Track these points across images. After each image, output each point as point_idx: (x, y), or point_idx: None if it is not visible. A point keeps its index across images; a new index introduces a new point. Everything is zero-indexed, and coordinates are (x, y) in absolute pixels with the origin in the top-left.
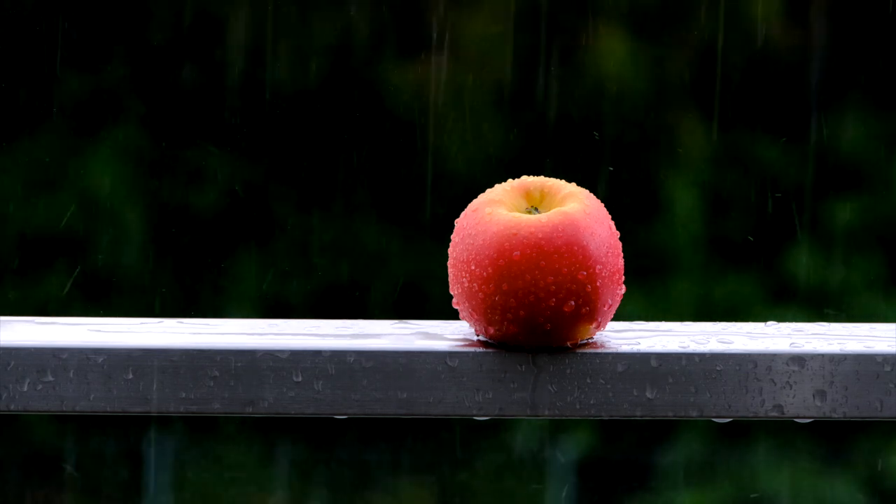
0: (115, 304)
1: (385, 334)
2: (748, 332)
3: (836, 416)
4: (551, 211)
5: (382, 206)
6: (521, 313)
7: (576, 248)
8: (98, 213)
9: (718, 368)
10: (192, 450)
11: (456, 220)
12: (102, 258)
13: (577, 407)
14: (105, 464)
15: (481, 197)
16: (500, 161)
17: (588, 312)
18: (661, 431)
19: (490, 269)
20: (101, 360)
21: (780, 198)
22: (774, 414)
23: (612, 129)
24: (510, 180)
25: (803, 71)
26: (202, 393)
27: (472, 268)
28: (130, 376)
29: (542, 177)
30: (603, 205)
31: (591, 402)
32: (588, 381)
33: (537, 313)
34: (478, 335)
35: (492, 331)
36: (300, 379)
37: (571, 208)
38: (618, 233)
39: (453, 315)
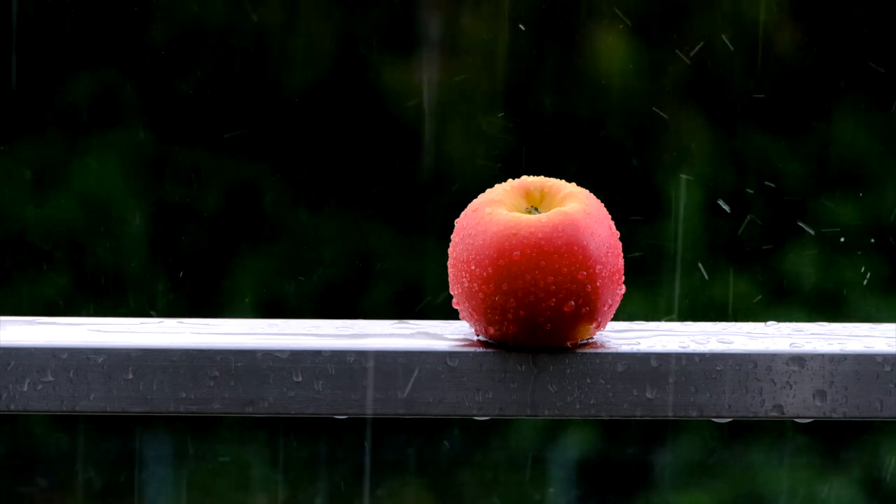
0: (115, 304)
1: (385, 334)
2: (748, 332)
3: (836, 416)
4: (551, 211)
5: (382, 205)
6: (521, 313)
7: (576, 248)
8: (98, 213)
9: (718, 368)
10: (192, 450)
11: (456, 220)
12: (102, 258)
13: (577, 407)
14: (105, 464)
15: (481, 197)
16: (500, 161)
17: (588, 312)
18: (661, 431)
19: (490, 269)
20: (101, 360)
21: (781, 197)
22: (774, 414)
23: (612, 128)
24: (510, 180)
25: (804, 70)
26: (202, 393)
27: (473, 268)
28: (130, 376)
29: (542, 177)
30: (603, 205)
31: (591, 402)
32: (588, 381)
33: (537, 313)
34: (478, 335)
35: (492, 331)
36: (300, 379)
37: (571, 208)
38: (618, 233)
39: (453, 315)
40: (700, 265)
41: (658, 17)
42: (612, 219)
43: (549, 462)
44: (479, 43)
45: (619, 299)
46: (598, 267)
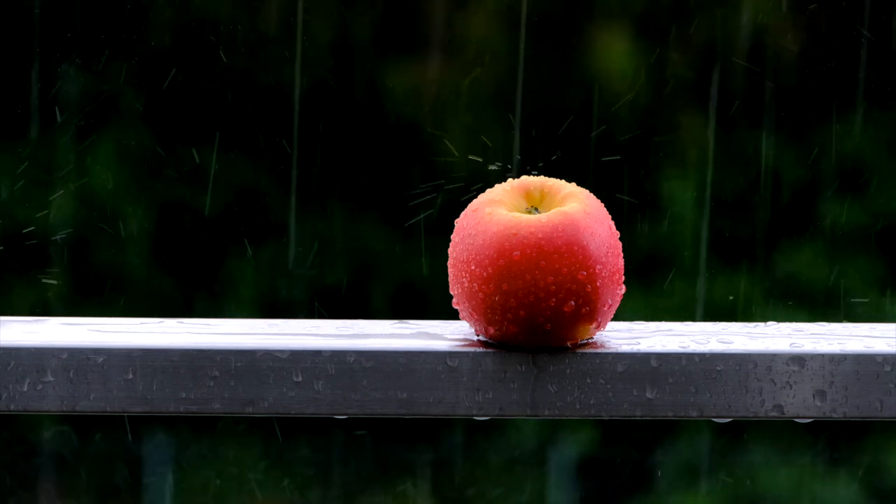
0: (115, 304)
1: (385, 334)
2: (748, 332)
3: (836, 416)
4: (551, 211)
5: (382, 205)
6: (521, 313)
7: (576, 248)
8: (98, 213)
9: (718, 368)
10: (192, 449)
11: (456, 220)
12: (103, 258)
13: (577, 407)
14: (105, 464)
15: (481, 197)
16: (501, 161)
17: (588, 312)
18: (661, 431)
19: (490, 269)
20: (101, 360)
21: (781, 197)
22: (774, 414)
23: (612, 128)
24: (510, 180)
25: (804, 70)
26: (202, 393)
27: (472, 268)
28: (130, 376)
29: (542, 177)
30: (603, 205)
31: (591, 402)
32: (588, 381)
33: (537, 313)
34: (478, 335)
35: (492, 331)
36: (300, 379)
37: (571, 208)
38: (618, 233)
39: (453, 315)
40: (700, 265)
41: (659, 16)
42: (612, 219)
43: (549, 462)
44: (480, 43)
45: (619, 299)
46: (598, 267)
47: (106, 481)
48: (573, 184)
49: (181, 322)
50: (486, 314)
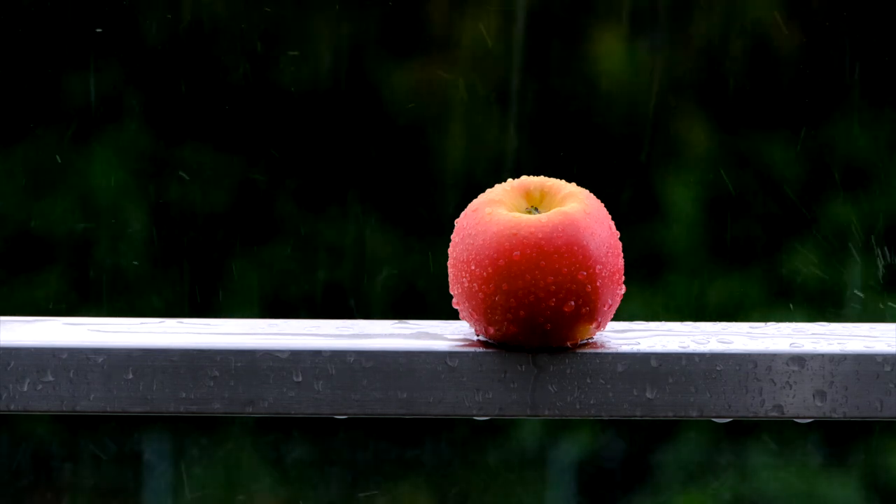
0: (115, 304)
1: (385, 334)
2: (748, 332)
3: (836, 416)
4: (551, 211)
5: (382, 205)
6: (521, 313)
7: (576, 248)
8: (99, 213)
9: (718, 368)
10: (192, 449)
11: (456, 220)
12: (102, 258)
13: (577, 407)
14: (105, 464)
15: (481, 197)
16: (500, 161)
17: (588, 312)
18: (661, 431)
19: (490, 269)
20: (101, 360)
21: (781, 197)
22: (774, 414)
23: (611, 128)
24: (510, 180)
25: (804, 69)
26: (202, 393)
27: (472, 268)
28: (130, 376)
29: (542, 177)
30: (603, 205)
31: (591, 402)
32: (588, 381)
33: (537, 313)
34: (478, 335)
35: (492, 331)
36: (300, 379)
37: (571, 208)
38: (618, 233)
39: (453, 315)
40: (700, 265)
41: (658, 16)
42: (612, 219)
43: (549, 462)
44: (479, 43)
45: (619, 299)
46: (598, 267)
47: (106, 481)
48: (573, 184)
49: (181, 322)
50: (486, 314)
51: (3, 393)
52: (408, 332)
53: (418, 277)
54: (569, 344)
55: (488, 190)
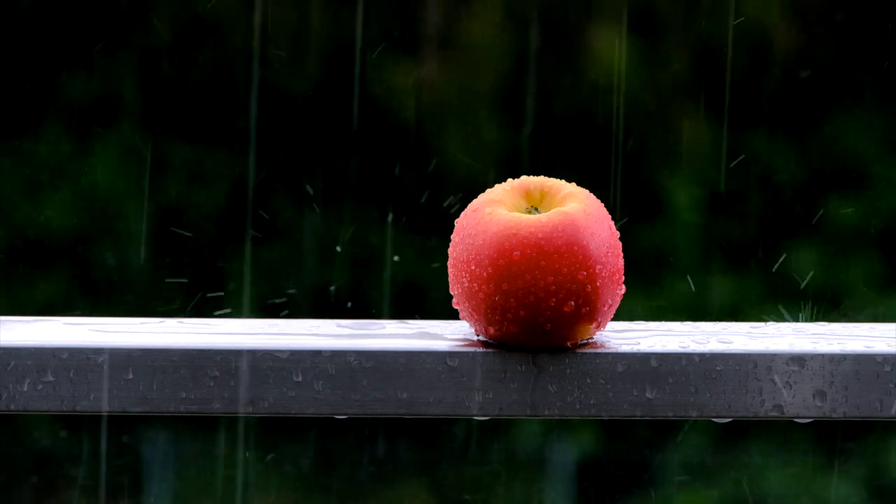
0: (115, 304)
1: (385, 334)
2: (748, 332)
3: (836, 416)
4: (551, 211)
5: (382, 205)
6: (521, 313)
7: (576, 248)
8: (98, 213)
9: (718, 368)
10: (192, 449)
11: (456, 220)
12: (103, 258)
13: (577, 407)
14: (105, 464)
15: (481, 197)
16: (500, 161)
17: (588, 312)
18: (661, 431)
19: (490, 269)
20: (101, 360)
21: (781, 197)
22: (774, 414)
23: (611, 128)
24: (510, 180)
25: (804, 69)
26: (202, 393)
27: (473, 268)
28: (130, 376)
29: (542, 177)
30: (603, 205)
31: (591, 402)
32: (588, 381)
33: (537, 313)
34: (478, 335)
35: (492, 331)
36: (300, 379)
37: (571, 208)
38: (618, 233)
39: (453, 315)
40: (700, 265)
41: (658, 16)
42: (612, 219)
43: (549, 462)
44: (479, 42)
45: (619, 299)
46: (598, 267)
47: (106, 481)
48: (573, 184)
49: (181, 322)
50: (486, 314)
51: (3, 393)
52: (408, 332)
53: (418, 277)
54: (569, 344)
55: (488, 190)
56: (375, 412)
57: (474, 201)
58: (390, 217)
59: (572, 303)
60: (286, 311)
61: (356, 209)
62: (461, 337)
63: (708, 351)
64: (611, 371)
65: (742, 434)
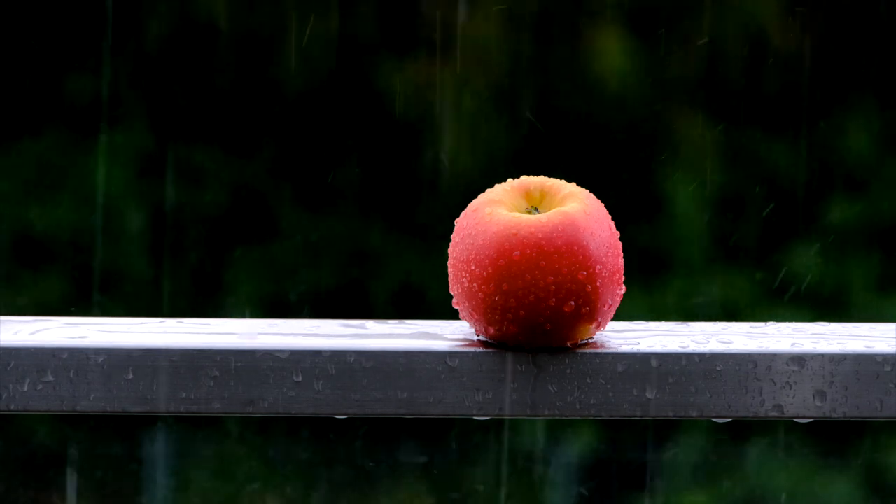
0: (115, 304)
1: (385, 334)
2: (748, 332)
3: (836, 416)
4: (551, 211)
5: (383, 205)
6: (521, 313)
7: (576, 248)
8: (99, 213)
9: (718, 368)
10: (192, 449)
11: (456, 220)
12: (103, 258)
13: (577, 407)
14: (105, 464)
15: (481, 197)
16: (500, 161)
17: (588, 312)
18: (661, 431)
19: (490, 269)
20: (101, 360)
21: (781, 197)
22: (774, 414)
23: (611, 128)
24: (510, 180)
25: (804, 69)
26: (202, 393)
27: (472, 268)
28: (130, 376)
29: (542, 177)
30: (603, 205)
31: (591, 402)
32: (588, 381)
33: (537, 313)
34: (478, 335)
35: (492, 331)
36: (300, 379)
37: (571, 208)
38: (618, 233)
39: (453, 315)
40: (700, 265)
41: (658, 16)
42: (612, 219)
43: (549, 462)
44: (479, 42)
45: (619, 299)
46: (598, 267)
47: (106, 481)
48: (573, 184)
49: (181, 322)
50: (486, 314)
51: (3, 393)
52: (408, 332)
53: (418, 277)
54: (569, 344)
55: (488, 190)
56: (375, 412)
57: (474, 201)
58: (390, 217)
59: (572, 303)
60: (287, 312)
61: (356, 209)
62: (461, 337)
63: (708, 351)
64: (611, 371)
65: (742, 434)
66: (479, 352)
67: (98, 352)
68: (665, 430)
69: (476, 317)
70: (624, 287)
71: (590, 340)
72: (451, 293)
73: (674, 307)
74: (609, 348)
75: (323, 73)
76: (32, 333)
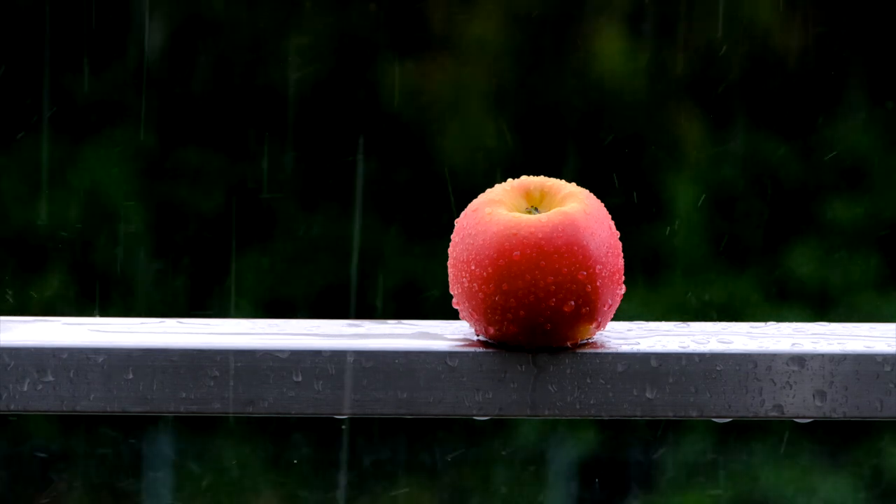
0: (115, 304)
1: (385, 334)
2: (748, 332)
3: (836, 416)
4: (551, 211)
5: (383, 205)
6: (521, 313)
7: (576, 248)
8: (99, 213)
9: (718, 368)
10: (192, 449)
11: (456, 220)
12: (103, 258)
13: (577, 407)
14: (105, 464)
15: (481, 197)
16: (500, 161)
17: (588, 312)
18: (661, 431)
19: (490, 269)
20: (101, 360)
21: (780, 197)
22: (774, 414)
23: (612, 128)
24: (510, 180)
25: (803, 69)
26: (202, 393)
27: (472, 268)
28: (130, 376)
29: (542, 177)
30: (603, 205)
31: (591, 402)
32: (588, 381)
33: (537, 313)
34: (478, 335)
35: (492, 331)
36: (300, 379)
37: (571, 208)
38: (618, 233)
39: (453, 315)
40: (700, 265)
41: (658, 16)
42: (612, 219)
43: (549, 462)
44: (479, 42)
45: (619, 299)
46: (598, 267)
47: (106, 481)
48: (573, 184)
49: (181, 322)
50: (486, 314)
51: (3, 393)
52: (408, 332)
53: (418, 277)
54: (569, 344)
55: (488, 190)
56: (375, 412)
57: (474, 201)
58: (390, 217)
59: (572, 303)
60: (286, 312)
61: (356, 209)
62: (461, 337)
63: (708, 351)
64: (611, 371)
65: (742, 434)
66: (479, 352)
67: (98, 352)
68: (665, 430)
69: (476, 317)
70: (624, 287)
71: (590, 340)
72: (451, 293)
73: (674, 307)
74: (609, 348)
75: (323, 72)
76: (32, 333)
